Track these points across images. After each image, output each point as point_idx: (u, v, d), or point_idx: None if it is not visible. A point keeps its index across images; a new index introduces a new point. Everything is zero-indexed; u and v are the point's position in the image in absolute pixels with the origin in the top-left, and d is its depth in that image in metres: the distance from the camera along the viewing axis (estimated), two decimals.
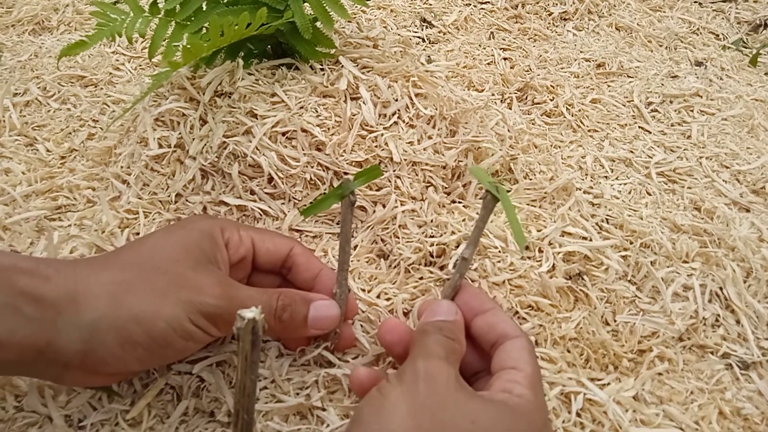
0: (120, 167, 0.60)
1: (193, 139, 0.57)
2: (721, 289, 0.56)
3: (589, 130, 0.76)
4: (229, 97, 0.58)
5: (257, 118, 0.56)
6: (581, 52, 0.92)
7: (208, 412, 0.45)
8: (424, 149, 0.59)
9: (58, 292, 0.38)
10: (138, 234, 0.55)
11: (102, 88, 0.77)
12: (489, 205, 0.42)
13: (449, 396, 0.36)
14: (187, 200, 0.57)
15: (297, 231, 0.56)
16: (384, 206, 0.56)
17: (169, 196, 0.57)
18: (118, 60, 0.83)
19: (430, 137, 0.60)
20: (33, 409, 0.44)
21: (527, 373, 0.39)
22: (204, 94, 0.58)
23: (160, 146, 0.58)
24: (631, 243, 0.58)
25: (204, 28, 0.59)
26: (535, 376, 0.39)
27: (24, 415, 0.44)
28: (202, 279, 0.40)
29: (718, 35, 1.04)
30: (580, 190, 0.64)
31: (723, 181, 0.69)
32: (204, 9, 0.58)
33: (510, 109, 0.78)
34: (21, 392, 0.45)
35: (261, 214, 0.56)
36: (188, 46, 0.51)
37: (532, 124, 0.76)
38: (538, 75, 0.84)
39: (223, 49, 0.60)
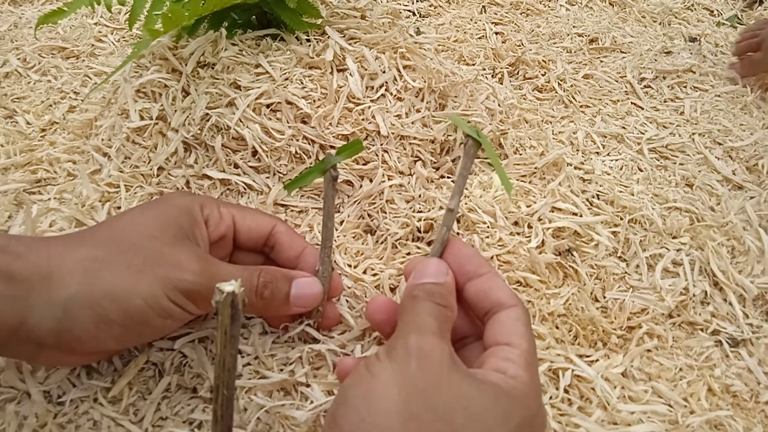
0: (101, 140, 0.59)
1: (176, 110, 0.55)
2: (710, 265, 0.55)
3: (581, 106, 0.75)
4: (212, 68, 0.56)
5: (241, 90, 0.55)
6: (574, 27, 0.91)
7: (190, 388, 0.44)
8: (413, 123, 0.58)
9: (30, 269, 0.36)
10: (119, 208, 0.54)
11: (84, 60, 0.75)
12: (470, 151, 0.40)
13: (443, 377, 0.34)
14: (169, 174, 0.55)
15: (282, 205, 0.55)
16: (371, 181, 0.55)
17: (151, 169, 0.56)
18: (100, 31, 0.81)
19: (418, 110, 0.59)
20: (11, 385, 0.43)
21: (522, 350, 0.36)
22: (186, 64, 0.56)
23: (142, 118, 0.57)
24: (622, 219, 0.58)
25: None
26: (530, 353, 0.37)
27: (1, 390, 0.43)
28: (180, 255, 0.39)
29: (712, 11, 1.03)
30: (570, 165, 0.63)
31: (716, 157, 0.68)
32: None
33: (501, 83, 0.77)
34: None
35: (245, 188, 0.54)
36: (169, 15, 0.49)
37: (523, 99, 0.75)
38: (530, 50, 0.83)
39: (206, 19, 0.58)
